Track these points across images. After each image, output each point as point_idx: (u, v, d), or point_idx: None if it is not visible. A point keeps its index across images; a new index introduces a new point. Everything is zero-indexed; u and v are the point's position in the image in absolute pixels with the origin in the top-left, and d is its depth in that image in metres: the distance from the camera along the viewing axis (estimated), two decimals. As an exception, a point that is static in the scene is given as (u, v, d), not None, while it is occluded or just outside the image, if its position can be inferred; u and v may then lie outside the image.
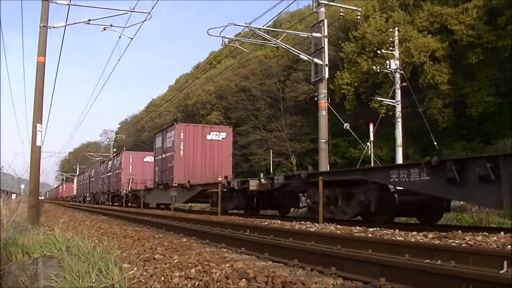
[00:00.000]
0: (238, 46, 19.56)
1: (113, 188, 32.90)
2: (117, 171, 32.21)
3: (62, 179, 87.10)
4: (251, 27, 17.32)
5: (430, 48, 28.77)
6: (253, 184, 13.06)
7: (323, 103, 16.02)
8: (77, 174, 66.02)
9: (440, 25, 29.58)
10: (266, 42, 18.98)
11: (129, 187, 29.13)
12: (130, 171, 30.56)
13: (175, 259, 4.77)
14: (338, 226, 8.57)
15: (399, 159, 21.95)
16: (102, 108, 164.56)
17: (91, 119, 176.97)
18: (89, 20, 12.95)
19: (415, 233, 6.87)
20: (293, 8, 73.04)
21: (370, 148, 20.67)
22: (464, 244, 5.53)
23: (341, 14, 18.75)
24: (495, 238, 5.90)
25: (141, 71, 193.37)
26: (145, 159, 31.09)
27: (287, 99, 40.74)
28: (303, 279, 3.64)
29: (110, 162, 36.43)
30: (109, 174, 35.57)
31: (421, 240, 6.14)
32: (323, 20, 16.75)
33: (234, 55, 42.95)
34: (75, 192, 61.42)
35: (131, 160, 31.26)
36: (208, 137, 20.45)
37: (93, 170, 44.98)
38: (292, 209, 16.02)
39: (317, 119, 16.43)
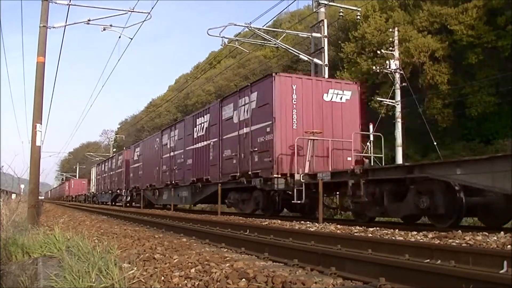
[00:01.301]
0: (238, 46, 19.62)
1: (224, 175, 14.90)
2: (247, 129, 13.50)
3: (62, 179, 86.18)
4: (251, 27, 17.34)
5: (430, 48, 28.76)
6: None
7: (323, 103, 15.93)
8: (97, 163, 47.14)
9: (440, 25, 29.58)
10: (266, 42, 19.01)
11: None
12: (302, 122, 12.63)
13: (175, 259, 4.77)
14: (338, 226, 8.57)
15: (399, 159, 21.94)
16: (102, 108, 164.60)
17: (91, 119, 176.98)
18: (89, 20, 12.96)
19: (415, 233, 6.88)
20: (293, 8, 73.21)
21: (370, 148, 20.64)
22: (464, 244, 5.53)
23: (341, 14, 18.79)
24: (495, 238, 5.90)
25: (141, 71, 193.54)
26: (327, 96, 13.04)
27: (287, 99, 40.72)
28: (303, 279, 3.64)
29: (204, 119, 16.85)
30: (200, 144, 16.95)
31: (421, 240, 6.14)
32: (323, 20, 16.78)
33: (234, 55, 42.97)
34: (92, 189, 45.49)
35: (294, 93, 12.57)
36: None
37: (136, 151, 27.58)
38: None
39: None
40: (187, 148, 18.59)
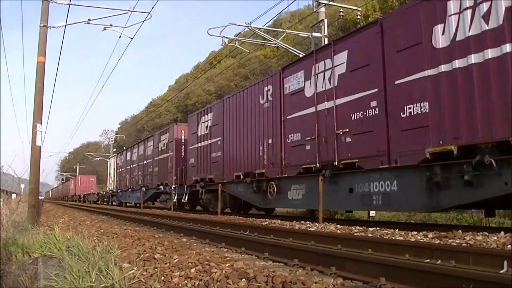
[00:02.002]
0: (238, 46, 19.60)
1: None
2: None
3: (62, 179, 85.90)
4: (251, 27, 17.35)
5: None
6: None
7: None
8: (118, 152, 36.65)
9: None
10: (266, 42, 19.01)
11: None
12: None
13: (175, 259, 4.77)
14: (338, 226, 8.57)
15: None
16: (102, 108, 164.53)
17: (91, 119, 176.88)
18: (89, 20, 13.00)
19: (415, 233, 6.88)
20: (293, 8, 73.20)
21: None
22: (464, 244, 5.53)
23: (341, 14, 18.76)
24: (495, 238, 5.89)
25: (141, 71, 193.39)
26: None
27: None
28: (303, 278, 3.64)
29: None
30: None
31: (421, 240, 6.14)
32: (323, 20, 16.78)
33: (234, 55, 43.00)
34: (110, 186, 35.53)
35: None
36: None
37: (204, 120, 17.06)
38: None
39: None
40: (413, 78, 7.90)
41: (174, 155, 20.40)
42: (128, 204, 30.01)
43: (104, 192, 38.58)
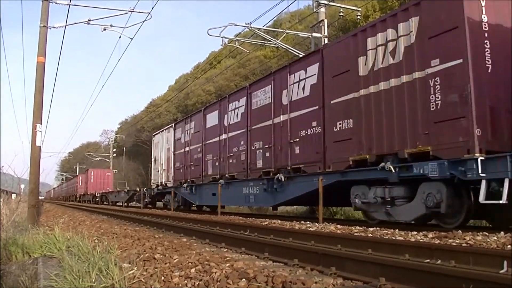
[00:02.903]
0: (238, 46, 19.60)
1: None
2: None
3: (62, 179, 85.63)
4: (251, 27, 17.35)
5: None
6: None
7: (323, 103, 15.60)
8: (179, 119, 22.64)
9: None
10: (266, 42, 19.01)
11: None
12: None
13: (175, 259, 4.77)
14: (338, 226, 8.57)
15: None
16: (102, 108, 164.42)
17: (91, 119, 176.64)
18: (89, 20, 13.00)
19: (415, 233, 6.88)
20: (293, 8, 73.16)
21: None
22: (464, 244, 5.53)
23: (341, 14, 18.77)
24: (495, 238, 5.90)
25: (141, 71, 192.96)
26: None
27: (287, 99, 40.66)
28: (303, 278, 3.64)
29: None
30: None
31: (421, 240, 6.14)
32: (323, 20, 16.79)
33: (234, 55, 42.99)
34: (161, 179, 21.71)
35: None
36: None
37: None
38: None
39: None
40: None
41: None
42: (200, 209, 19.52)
43: (145, 190, 25.51)
